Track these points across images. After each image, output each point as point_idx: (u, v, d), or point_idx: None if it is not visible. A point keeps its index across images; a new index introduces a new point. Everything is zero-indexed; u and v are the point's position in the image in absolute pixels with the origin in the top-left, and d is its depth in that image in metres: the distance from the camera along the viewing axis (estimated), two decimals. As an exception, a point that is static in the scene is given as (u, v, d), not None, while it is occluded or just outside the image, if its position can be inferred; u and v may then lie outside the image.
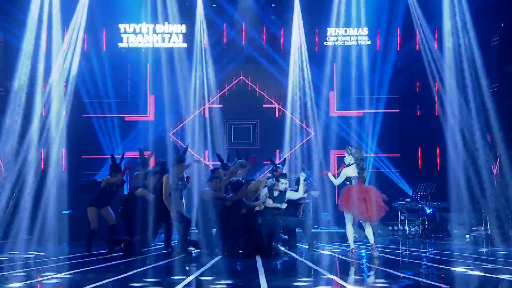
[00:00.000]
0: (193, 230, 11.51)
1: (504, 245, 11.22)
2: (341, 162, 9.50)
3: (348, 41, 15.69)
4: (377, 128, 15.86)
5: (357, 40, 15.67)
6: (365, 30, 15.65)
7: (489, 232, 12.35)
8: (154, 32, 15.60)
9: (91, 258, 9.09)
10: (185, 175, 10.48)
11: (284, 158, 12.81)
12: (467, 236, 12.93)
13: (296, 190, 10.63)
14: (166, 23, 15.47)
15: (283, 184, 10.19)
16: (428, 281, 6.43)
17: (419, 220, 13.75)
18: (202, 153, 15.70)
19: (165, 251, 10.14)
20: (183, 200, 10.81)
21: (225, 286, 6.06)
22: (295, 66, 15.89)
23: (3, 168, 12.90)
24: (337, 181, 9.12)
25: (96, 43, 15.64)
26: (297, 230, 11.05)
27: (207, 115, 15.96)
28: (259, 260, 8.48)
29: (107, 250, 10.06)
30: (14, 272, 7.40)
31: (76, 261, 8.78)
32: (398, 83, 15.72)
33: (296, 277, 6.91)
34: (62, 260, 9.03)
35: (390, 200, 13.75)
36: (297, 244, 10.86)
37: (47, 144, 13.56)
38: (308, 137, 15.98)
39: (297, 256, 9.32)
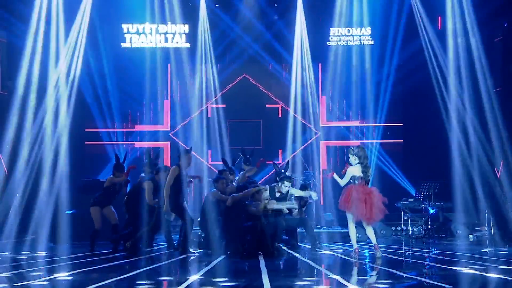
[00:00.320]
0: (194, 230, 11.54)
1: (508, 246, 11.19)
2: (345, 162, 9.49)
3: (351, 41, 15.69)
4: (380, 128, 15.84)
5: (360, 40, 15.66)
6: (368, 30, 15.64)
7: (492, 232, 12.32)
8: (157, 32, 15.61)
9: (94, 258, 9.09)
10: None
11: (288, 161, 12.78)
12: (471, 236, 12.90)
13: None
14: (169, 23, 15.48)
15: (286, 187, 10.16)
16: (431, 281, 6.42)
17: (422, 220, 13.72)
18: (205, 153, 15.71)
19: (169, 250, 10.15)
20: (186, 202, 10.80)
21: (228, 286, 6.06)
22: (298, 66, 15.88)
23: (6, 168, 12.90)
24: (343, 181, 9.09)
25: (99, 43, 15.65)
26: (299, 230, 11.05)
27: (210, 115, 15.97)
28: (261, 260, 8.48)
29: (111, 250, 10.07)
30: (15, 272, 7.41)
31: (79, 261, 8.78)
32: (401, 83, 15.69)
33: (299, 277, 6.90)
34: (65, 260, 9.03)
35: (393, 200, 13.78)
36: (299, 244, 10.85)
37: (50, 144, 13.57)
38: (316, 136, 15.96)
39: (299, 256, 9.31)
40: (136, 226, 9.80)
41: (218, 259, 8.73)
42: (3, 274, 7.08)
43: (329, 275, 6.91)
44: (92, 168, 15.22)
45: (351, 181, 9.01)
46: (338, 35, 15.71)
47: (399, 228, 14.17)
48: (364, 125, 15.90)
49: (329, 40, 15.77)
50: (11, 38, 14.14)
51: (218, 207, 10.01)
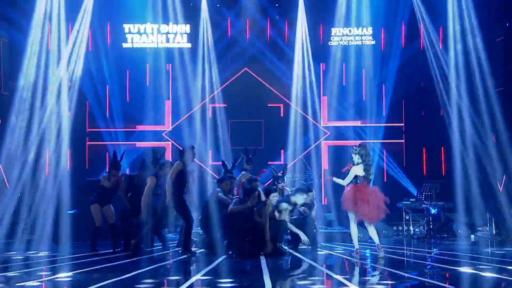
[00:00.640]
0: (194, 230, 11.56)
1: (509, 245, 11.19)
2: (347, 162, 9.48)
3: (352, 41, 15.69)
4: (382, 128, 15.84)
5: (361, 40, 15.66)
6: (369, 30, 15.64)
7: (494, 232, 12.31)
8: (159, 32, 15.62)
9: (95, 258, 9.10)
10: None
11: (286, 164, 12.77)
12: (472, 236, 12.89)
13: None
14: (170, 23, 15.49)
15: (274, 197, 10.01)
16: (433, 281, 6.41)
17: (424, 220, 13.72)
18: (206, 153, 15.71)
19: (178, 249, 10.15)
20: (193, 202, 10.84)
21: (230, 287, 6.06)
22: (299, 66, 15.88)
23: (3, 169, 12.91)
24: (345, 181, 9.04)
25: (100, 43, 15.65)
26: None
27: (211, 115, 15.97)
28: (263, 260, 8.48)
29: (111, 250, 10.10)
30: (16, 272, 7.41)
31: (80, 261, 8.79)
32: (403, 83, 15.69)
33: (300, 277, 6.90)
34: (66, 260, 9.04)
35: (394, 200, 13.77)
36: (301, 244, 10.84)
37: (52, 144, 13.58)
38: (326, 136, 15.95)
39: (301, 256, 9.31)
40: (140, 224, 9.82)
41: (220, 259, 8.73)
42: (5, 274, 7.09)
43: (330, 275, 6.91)
44: (94, 168, 15.22)
45: (353, 180, 9.00)
46: (340, 35, 15.70)
47: (400, 228, 14.17)
48: (365, 125, 15.89)
49: (331, 40, 15.77)
50: (13, 38, 14.15)
51: (220, 207, 10.03)
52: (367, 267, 8.05)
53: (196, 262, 8.66)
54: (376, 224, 9.72)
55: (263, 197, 9.96)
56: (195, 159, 10.49)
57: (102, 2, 14.94)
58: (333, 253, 10.11)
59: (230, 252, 9.42)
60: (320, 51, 15.93)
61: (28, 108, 13.24)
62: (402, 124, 16.10)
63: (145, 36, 15.65)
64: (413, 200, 13.94)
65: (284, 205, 9.97)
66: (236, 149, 13.96)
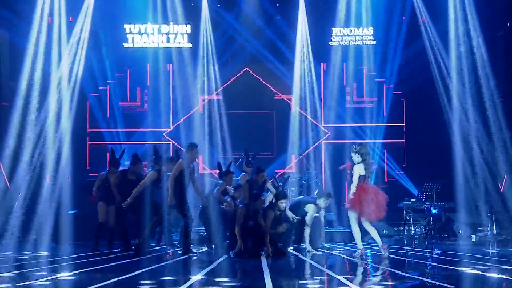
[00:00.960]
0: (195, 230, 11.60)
1: (510, 246, 11.18)
2: (346, 161, 9.47)
3: (353, 41, 15.69)
4: (382, 128, 15.84)
5: (362, 40, 15.66)
6: (370, 30, 15.64)
7: (495, 232, 12.31)
8: (159, 32, 15.63)
9: (96, 258, 9.10)
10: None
11: (288, 176, 12.75)
12: (473, 236, 12.88)
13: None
14: (171, 23, 15.49)
15: (283, 204, 9.95)
16: (433, 281, 6.41)
17: (425, 220, 13.71)
18: (205, 153, 15.71)
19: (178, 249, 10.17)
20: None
21: (230, 286, 6.06)
22: (300, 66, 15.88)
23: (3, 169, 12.92)
24: (355, 184, 8.96)
25: (101, 43, 15.66)
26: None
27: (211, 115, 15.96)
28: (264, 261, 8.48)
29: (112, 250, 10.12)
30: (17, 272, 7.42)
31: (81, 261, 8.79)
32: (403, 82, 15.69)
33: (302, 278, 6.90)
34: (67, 260, 9.04)
35: (395, 200, 13.78)
36: (302, 244, 10.84)
37: (53, 144, 13.59)
38: (326, 136, 15.94)
39: (302, 257, 9.30)
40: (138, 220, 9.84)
41: (221, 259, 8.73)
42: (6, 274, 7.09)
43: (331, 276, 6.90)
44: (95, 168, 15.22)
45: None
46: (340, 35, 15.71)
47: (401, 228, 14.16)
48: (366, 125, 15.88)
49: (331, 40, 15.77)
50: (14, 39, 14.16)
51: (219, 203, 10.13)
52: (368, 267, 8.05)
53: (197, 262, 8.66)
54: (377, 224, 9.70)
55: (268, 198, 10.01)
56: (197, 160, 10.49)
57: (103, 2, 14.95)
58: (333, 253, 10.10)
59: (230, 252, 9.41)
60: (321, 51, 15.93)
61: (28, 108, 13.24)
62: (403, 124, 16.10)
63: (146, 36, 15.66)
64: (414, 200, 13.95)
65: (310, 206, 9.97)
66: (235, 150, 13.97)
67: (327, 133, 16.00)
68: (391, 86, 15.83)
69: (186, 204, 9.61)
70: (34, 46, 13.42)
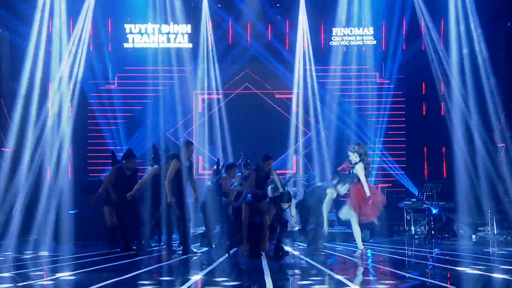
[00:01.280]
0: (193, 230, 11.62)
1: (510, 246, 11.18)
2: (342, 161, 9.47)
3: (353, 41, 15.70)
4: (382, 128, 15.84)
5: (362, 40, 15.66)
6: (370, 30, 15.65)
7: (495, 232, 12.30)
8: (160, 32, 15.63)
9: (96, 258, 9.11)
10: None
11: (291, 176, 12.73)
12: (473, 236, 12.88)
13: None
14: (171, 23, 15.50)
15: (285, 206, 9.92)
16: (434, 281, 6.41)
17: (425, 220, 13.71)
18: (205, 153, 15.71)
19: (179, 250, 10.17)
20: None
21: (231, 286, 6.06)
22: (301, 66, 15.89)
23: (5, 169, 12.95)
24: (364, 183, 8.87)
25: (102, 43, 15.67)
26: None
27: (211, 115, 15.97)
28: (264, 260, 8.48)
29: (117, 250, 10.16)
30: (18, 272, 7.42)
31: (82, 261, 8.79)
32: (404, 82, 15.70)
33: (302, 278, 6.90)
34: (68, 260, 9.05)
35: (395, 200, 13.78)
36: (303, 244, 10.85)
37: (53, 144, 13.60)
38: (325, 135, 15.94)
39: (302, 256, 9.30)
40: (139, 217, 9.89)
41: (221, 259, 8.73)
42: (7, 274, 7.10)
43: (332, 275, 6.90)
44: (95, 168, 15.24)
45: (355, 180, 8.97)
46: (341, 35, 15.71)
47: (401, 228, 14.15)
48: (366, 125, 15.88)
49: (332, 40, 15.77)
50: (14, 38, 14.17)
51: (221, 195, 10.23)
52: (368, 267, 8.05)
53: (197, 262, 8.66)
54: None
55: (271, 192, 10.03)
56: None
57: (103, 2, 14.96)
58: (334, 253, 10.10)
59: (231, 251, 9.41)
60: (321, 51, 15.93)
61: (28, 108, 13.25)
62: (404, 125, 16.09)
63: (146, 36, 15.67)
64: (414, 200, 13.94)
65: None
66: (236, 150, 13.97)
67: (327, 133, 16.00)
68: (391, 86, 15.83)
69: (185, 204, 9.59)
70: (34, 46, 13.42)
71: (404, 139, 16.06)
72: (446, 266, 7.97)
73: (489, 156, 13.14)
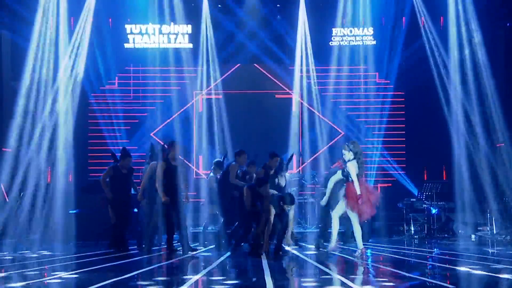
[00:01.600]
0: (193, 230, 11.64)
1: (510, 245, 11.19)
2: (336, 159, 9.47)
3: (353, 41, 15.71)
4: (382, 128, 15.85)
5: (362, 40, 15.68)
6: (370, 30, 15.66)
7: (494, 232, 12.31)
8: (160, 32, 15.65)
9: (96, 258, 9.13)
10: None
11: (293, 154, 12.77)
12: (473, 236, 12.90)
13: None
14: (172, 23, 15.51)
15: (287, 208, 9.86)
16: (433, 281, 6.43)
17: (425, 220, 13.72)
18: (205, 155, 15.74)
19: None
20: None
21: (231, 285, 6.08)
22: (301, 66, 15.90)
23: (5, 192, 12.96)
24: (355, 181, 8.90)
25: (102, 44, 15.68)
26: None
27: (211, 115, 15.98)
28: (264, 260, 8.49)
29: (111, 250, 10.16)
30: (19, 272, 7.44)
31: (82, 260, 8.81)
32: (403, 82, 15.71)
33: (302, 277, 6.92)
34: (68, 259, 9.07)
35: (395, 200, 13.79)
36: (304, 244, 10.87)
37: (54, 144, 13.62)
38: (340, 136, 15.96)
39: (303, 256, 9.32)
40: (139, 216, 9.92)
41: (220, 259, 8.75)
42: (7, 274, 7.12)
43: (332, 275, 6.93)
44: (96, 168, 15.25)
45: (350, 179, 8.96)
46: (341, 35, 15.73)
47: (401, 228, 14.17)
48: (366, 125, 15.89)
49: (332, 40, 15.79)
50: (15, 38, 14.19)
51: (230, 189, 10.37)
52: (368, 266, 8.07)
53: (197, 262, 8.68)
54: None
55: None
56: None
57: (104, 2, 14.97)
58: (334, 252, 10.11)
59: (233, 241, 9.55)
60: (321, 51, 15.95)
61: (29, 108, 13.26)
62: (404, 125, 16.10)
63: (147, 36, 15.68)
64: (414, 200, 13.95)
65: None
66: (235, 149, 13.96)
67: (326, 133, 16.01)
68: (391, 86, 15.84)
69: (178, 203, 9.61)
70: (35, 46, 13.44)
71: (404, 139, 16.07)
72: (445, 265, 7.99)
73: (489, 156, 13.14)
